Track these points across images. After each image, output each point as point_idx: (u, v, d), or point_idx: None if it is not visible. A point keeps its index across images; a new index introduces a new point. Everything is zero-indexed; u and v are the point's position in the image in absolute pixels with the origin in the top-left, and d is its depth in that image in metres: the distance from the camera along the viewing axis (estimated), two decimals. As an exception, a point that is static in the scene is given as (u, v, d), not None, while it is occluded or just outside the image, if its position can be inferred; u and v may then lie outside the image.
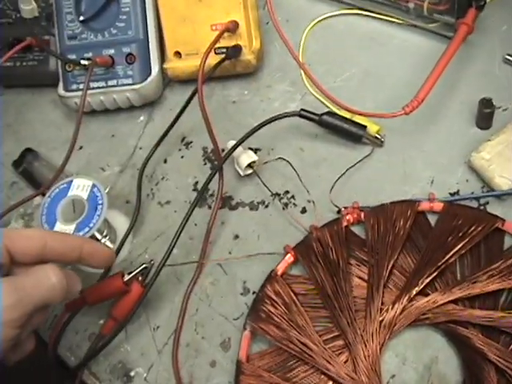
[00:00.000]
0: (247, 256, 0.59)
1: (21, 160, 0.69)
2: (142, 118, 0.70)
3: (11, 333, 0.43)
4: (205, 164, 0.65)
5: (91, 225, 0.57)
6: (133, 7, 0.67)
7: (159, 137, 0.66)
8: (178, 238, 0.56)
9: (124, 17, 0.67)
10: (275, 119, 0.61)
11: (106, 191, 0.62)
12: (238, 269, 0.59)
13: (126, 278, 0.56)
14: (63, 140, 0.70)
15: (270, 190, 0.61)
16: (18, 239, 0.46)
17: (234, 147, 0.61)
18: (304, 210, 0.60)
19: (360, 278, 0.56)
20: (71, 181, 0.60)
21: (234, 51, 0.64)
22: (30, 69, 0.72)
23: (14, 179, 0.70)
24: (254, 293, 0.57)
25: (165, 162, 0.66)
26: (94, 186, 0.59)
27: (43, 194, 0.65)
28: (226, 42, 0.65)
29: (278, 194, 0.62)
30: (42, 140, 0.71)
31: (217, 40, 0.62)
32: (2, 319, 0.41)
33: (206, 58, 0.60)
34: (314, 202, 0.60)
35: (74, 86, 0.68)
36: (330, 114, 0.62)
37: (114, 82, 0.67)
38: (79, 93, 0.67)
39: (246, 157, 0.61)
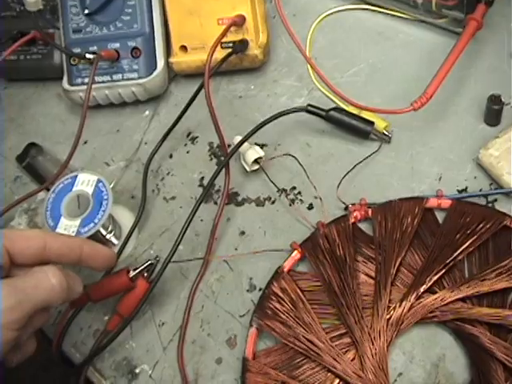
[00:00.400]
0: (253, 252, 0.58)
1: (25, 154, 0.68)
2: (147, 113, 0.69)
3: (11, 335, 0.42)
4: (211, 159, 0.65)
5: (96, 220, 0.56)
6: (138, 0, 0.66)
7: (165, 131, 0.65)
8: (183, 235, 0.56)
9: (129, 10, 0.66)
10: (282, 114, 0.61)
11: (111, 186, 0.61)
12: (244, 265, 0.59)
13: (132, 274, 0.56)
14: (67, 134, 0.70)
15: (276, 186, 0.61)
16: (17, 240, 0.46)
17: (241, 142, 0.60)
18: (311, 207, 0.60)
19: (367, 275, 0.55)
20: (76, 176, 0.59)
21: (241, 46, 0.64)
22: (34, 62, 0.71)
23: (17, 174, 0.69)
24: (260, 289, 0.57)
25: (170, 157, 0.66)
26: (99, 181, 0.58)
27: (47, 189, 0.65)
28: (233, 36, 0.64)
29: (285, 190, 0.61)
30: (46, 134, 0.71)
31: (224, 34, 0.61)
32: (1, 321, 0.41)
33: (212, 52, 0.59)
34: (321, 199, 0.59)
35: (79, 80, 0.68)
36: (338, 109, 0.61)
37: (119, 76, 0.67)
38: (84, 87, 0.67)
39: (252, 152, 0.60)
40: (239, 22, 0.63)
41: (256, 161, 0.61)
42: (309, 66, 0.66)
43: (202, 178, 0.64)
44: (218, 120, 0.61)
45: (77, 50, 0.67)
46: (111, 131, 0.69)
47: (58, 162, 0.67)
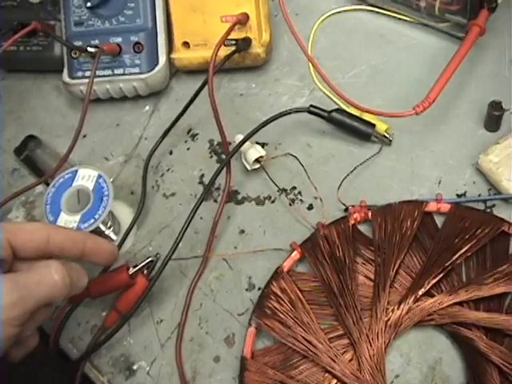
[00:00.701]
0: (253, 251, 0.58)
1: (23, 147, 0.68)
2: (147, 108, 0.69)
3: (12, 331, 0.42)
4: (211, 157, 0.65)
5: (96, 216, 0.56)
6: (142, -5, 0.66)
7: (165, 127, 0.65)
8: (184, 233, 0.56)
9: (132, 4, 0.66)
10: (284, 114, 0.61)
11: (111, 181, 0.61)
12: (243, 264, 0.59)
13: (132, 270, 0.56)
14: (67, 127, 0.69)
15: (276, 186, 0.61)
16: (20, 233, 0.46)
17: (243, 142, 0.60)
18: (311, 207, 0.60)
19: (366, 276, 0.56)
20: (76, 171, 0.59)
21: (244, 44, 0.63)
22: (34, 54, 0.70)
23: (15, 166, 0.69)
24: (259, 289, 0.57)
25: (170, 153, 0.66)
26: (99, 176, 0.58)
27: (46, 183, 0.65)
28: (236, 34, 0.64)
29: (285, 190, 0.61)
30: (45, 127, 0.70)
31: (229, 32, 0.61)
32: (2, 317, 0.41)
33: (217, 50, 0.59)
34: (321, 199, 0.60)
35: (80, 74, 0.67)
36: (340, 111, 0.61)
37: (120, 71, 0.66)
38: (84, 80, 0.66)
39: (253, 151, 0.60)
40: (243, 21, 0.63)
41: (257, 160, 0.61)
42: (311, 65, 0.66)
43: (202, 175, 0.64)
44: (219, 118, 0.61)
45: (78, 43, 0.67)
46: (111, 126, 0.69)
47: (56, 155, 0.67)
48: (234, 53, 0.63)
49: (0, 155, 0.70)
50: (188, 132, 0.66)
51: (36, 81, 0.73)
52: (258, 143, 0.63)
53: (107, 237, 0.61)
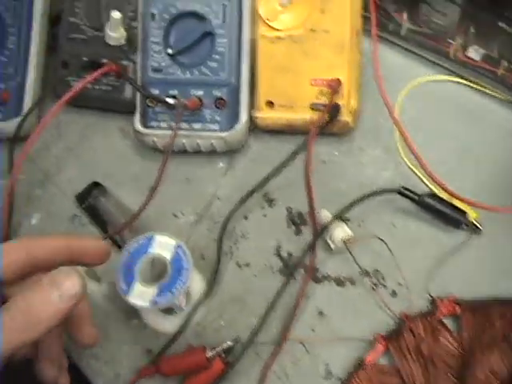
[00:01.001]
0: (334, 339, 0.56)
1: (86, 194, 0.64)
2: (221, 165, 0.64)
3: None
4: (288, 226, 0.61)
5: (174, 290, 0.53)
6: (228, 48, 0.61)
7: (240, 187, 0.60)
8: (265, 319, 0.54)
9: (217, 57, 0.61)
10: (374, 194, 0.58)
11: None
12: (321, 349, 0.56)
13: (209, 354, 0.53)
14: (131, 175, 0.65)
15: (360, 268, 0.58)
16: None
17: (331, 221, 0.57)
18: (394, 293, 0.58)
19: (452, 375, 0.54)
20: (152, 237, 0.55)
21: (334, 111, 0.60)
22: (103, 93, 0.65)
23: (75, 212, 0.64)
24: (338, 379, 0.55)
25: (245, 218, 0.62)
26: (178, 246, 0.55)
27: (111, 238, 0.61)
28: (324, 98, 0.61)
29: (367, 272, 0.58)
30: (108, 171, 0.65)
31: (331, 103, 0.58)
32: None
33: (322, 118, 0.58)
34: (407, 287, 0.57)
35: (154, 124, 0.63)
36: (432, 196, 0.59)
37: (198, 126, 0.62)
38: (159, 131, 0.62)
39: (340, 231, 0.58)
40: (335, 87, 0.60)
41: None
42: (396, 137, 0.63)
43: (279, 246, 0.60)
44: (298, 184, 0.59)
45: (155, 91, 0.62)
46: (181, 180, 0.64)
47: (122, 206, 0.63)
48: (328, 122, 0.59)
49: (58, 197, 0.65)
50: (264, 196, 0.62)
51: (100, 119, 0.67)
52: (340, 218, 0.60)
53: (177, 307, 0.57)
